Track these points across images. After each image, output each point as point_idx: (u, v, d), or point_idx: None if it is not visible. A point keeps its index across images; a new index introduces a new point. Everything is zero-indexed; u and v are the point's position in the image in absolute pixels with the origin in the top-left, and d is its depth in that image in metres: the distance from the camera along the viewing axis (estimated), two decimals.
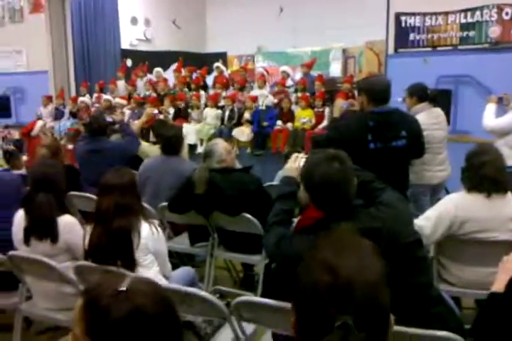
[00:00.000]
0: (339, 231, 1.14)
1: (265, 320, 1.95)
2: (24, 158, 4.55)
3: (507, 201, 2.60)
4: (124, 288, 1.00)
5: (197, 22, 11.51)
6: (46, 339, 2.96)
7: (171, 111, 7.09)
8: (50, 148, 4.26)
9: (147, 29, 10.57)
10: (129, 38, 10.19)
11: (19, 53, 9.10)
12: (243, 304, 1.92)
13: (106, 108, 7.42)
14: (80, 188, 4.10)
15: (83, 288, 1.08)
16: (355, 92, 5.55)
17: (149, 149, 4.59)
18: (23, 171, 3.90)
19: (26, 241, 2.56)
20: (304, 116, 6.30)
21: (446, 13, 5.83)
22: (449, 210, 2.58)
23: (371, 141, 2.96)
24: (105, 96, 7.71)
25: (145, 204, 2.98)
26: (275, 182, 4.08)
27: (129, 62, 9.45)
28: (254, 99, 6.74)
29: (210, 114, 6.95)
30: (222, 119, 6.88)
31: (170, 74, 8.49)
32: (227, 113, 6.86)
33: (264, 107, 6.62)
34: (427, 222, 2.58)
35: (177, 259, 3.54)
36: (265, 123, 6.41)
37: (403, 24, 6.10)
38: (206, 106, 7.16)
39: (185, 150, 4.19)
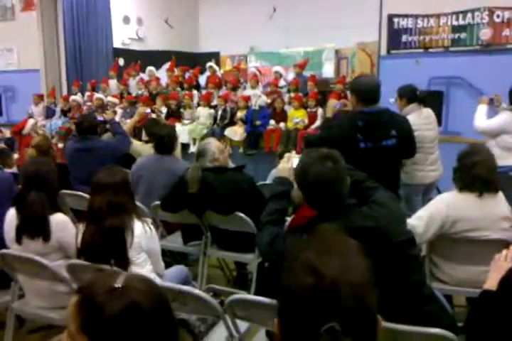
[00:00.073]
0: (324, 231, 1.09)
1: (259, 318, 1.96)
2: (15, 156, 4.52)
3: (498, 200, 2.63)
4: (119, 285, 1.00)
5: (189, 21, 11.50)
6: (39, 338, 2.94)
7: (164, 110, 7.08)
8: (39, 147, 4.24)
9: (139, 28, 10.55)
10: (121, 36, 10.17)
11: (10, 51, 9.03)
12: (237, 302, 1.92)
13: (98, 107, 7.39)
14: (70, 187, 4.09)
15: (78, 285, 1.08)
16: (348, 93, 5.58)
17: (142, 148, 4.58)
18: (14, 169, 3.87)
19: (18, 239, 2.54)
20: (296, 116, 6.32)
21: (438, 16, 5.88)
22: (440, 210, 2.60)
23: (361, 140, 2.98)
24: (97, 95, 7.68)
25: (138, 203, 2.97)
26: (268, 182, 4.10)
27: (121, 61, 9.43)
28: (247, 99, 6.75)
29: (203, 113, 6.95)
30: (215, 119, 6.88)
31: (162, 74, 8.48)
32: (219, 112, 6.86)
33: (257, 107, 6.63)
34: (419, 221, 2.60)
35: (170, 258, 3.53)
36: (258, 122, 6.42)
37: (395, 26, 6.14)
38: (199, 105, 7.16)
39: (178, 150, 4.18)
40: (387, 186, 2.13)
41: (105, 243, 2.35)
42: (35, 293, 2.60)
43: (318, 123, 6.22)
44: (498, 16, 5.55)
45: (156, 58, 9.71)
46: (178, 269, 2.87)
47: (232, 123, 6.75)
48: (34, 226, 2.53)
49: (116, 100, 7.57)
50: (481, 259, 2.43)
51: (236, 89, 7.37)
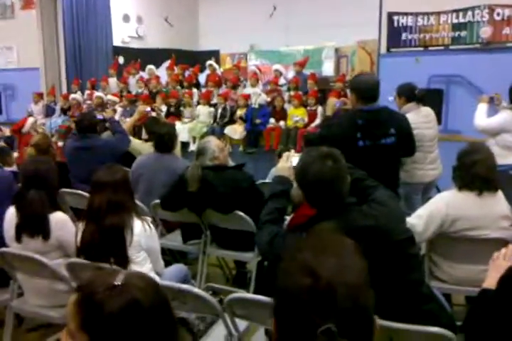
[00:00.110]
0: (320, 231, 1.08)
1: (258, 317, 1.96)
2: (15, 154, 4.52)
3: (497, 199, 2.63)
4: (119, 283, 1.00)
5: (189, 19, 11.49)
6: (38, 336, 2.94)
7: (164, 108, 7.08)
8: (39, 146, 4.24)
9: (139, 26, 10.53)
10: (121, 35, 10.15)
11: (10, 50, 9.02)
12: (236, 301, 1.92)
13: (98, 105, 7.39)
14: (70, 185, 4.09)
15: (77, 284, 1.08)
16: (348, 91, 5.57)
17: (141, 147, 4.59)
18: (14, 168, 3.87)
19: (18, 238, 2.54)
20: (296, 115, 6.31)
21: (438, 13, 5.87)
22: (440, 208, 2.60)
23: (360, 138, 2.98)
24: (97, 93, 7.67)
25: (137, 202, 2.97)
26: (268, 180, 4.10)
27: (120, 60, 9.42)
28: (247, 98, 6.74)
29: (203, 111, 6.94)
30: (215, 117, 6.88)
31: (162, 72, 8.47)
32: (219, 111, 6.85)
33: (257, 105, 6.62)
34: (419, 220, 2.60)
35: (169, 256, 3.54)
36: (258, 121, 6.42)
37: (395, 24, 6.13)
38: (199, 104, 7.15)
39: (177, 148, 4.18)
40: (386, 185, 2.13)
41: (105, 241, 2.36)
42: (34, 292, 2.61)
43: (318, 121, 6.21)
44: (498, 14, 5.54)
45: (155, 56, 9.70)
46: (178, 268, 2.87)
47: (232, 121, 6.74)
48: (34, 225, 2.53)
49: (116, 98, 7.56)
50: (480, 258, 2.43)
51: (236, 87, 7.36)
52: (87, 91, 8.10)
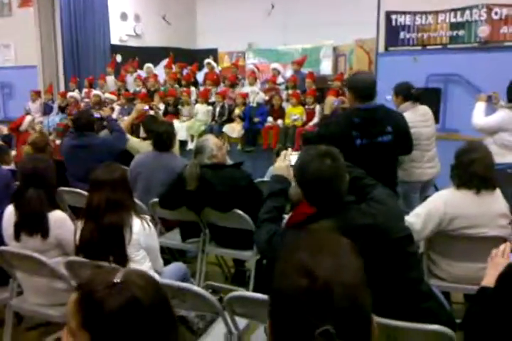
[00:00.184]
0: (316, 231, 1.06)
1: (258, 315, 1.96)
2: (13, 153, 4.51)
3: (495, 197, 2.64)
4: (119, 280, 1.00)
5: (187, 18, 11.47)
6: (37, 335, 2.94)
7: (161, 107, 7.07)
8: (36, 144, 4.23)
9: (137, 25, 10.52)
10: (119, 33, 10.13)
11: (7, 47, 9.00)
12: (236, 299, 1.92)
13: (96, 103, 7.37)
14: (67, 184, 4.09)
15: (77, 282, 1.08)
16: (346, 90, 5.58)
17: (139, 145, 4.58)
18: (12, 166, 3.86)
19: (16, 236, 2.54)
20: (294, 113, 6.31)
21: (436, 13, 5.88)
22: (438, 207, 2.61)
23: (357, 137, 2.99)
24: (95, 92, 7.65)
25: (136, 200, 2.97)
26: (266, 179, 4.10)
27: (118, 58, 9.40)
28: (245, 96, 6.74)
29: (201, 110, 6.93)
30: (213, 116, 6.87)
31: (160, 71, 8.46)
32: (217, 109, 6.85)
33: (255, 104, 6.62)
34: (417, 218, 2.61)
35: (168, 255, 3.54)
36: (256, 119, 6.42)
37: (394, 23, 6.13)
38: (197, 102, 7.14)
39: (176, 147, 4.18)
40: (384, 183, 2.14)
41: (104, 240, 2.36)
42: (33, 290, 2.60)
43: (316, 120, 6.22)
44: (496, 13, 5.55)
45: (153, 55, 9.68)
46: (177, 266, 2.87)
47: (230, 120, 6.74)
48: (32, 223, 2.53)
49: (113, 97, 7.55)
50: (478, 256, 2.45)
51: (234, 86, 7.36)
52: (85, 90, 8.08)
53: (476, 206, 2.58)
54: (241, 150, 6.49)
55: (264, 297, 1.80)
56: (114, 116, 6.98)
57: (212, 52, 10.14)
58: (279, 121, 6.37)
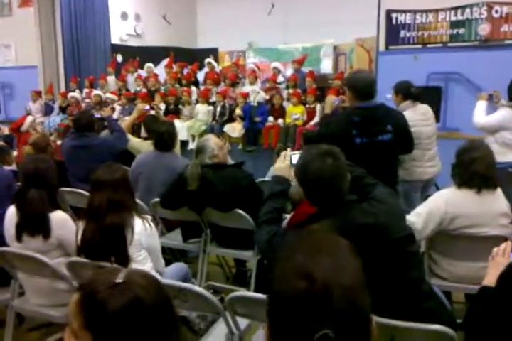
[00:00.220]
0: (313, 232, 1.04)
1: (259, 315, 1.96)
2: (14, 153, 4.51)
3: (497, 197, 2.64)
4: (121, 280, 1.00)
5: (187, 17, 11.46)
6: (39, 336, 2.95)
7: (162, 107, 7.07)
8: (37, 144, 4.23)
9: (137, 24, 10.51)
10: (119, 33, 10.13)
11: (8, 48, 8.99)
12: (237, 299, 1.93)
13: (96, 103, 7.37)
14: (68, 184, 4.09)
15: (79, 282, 1.08)
16: (346, 89, 5.57)
17: (141, 145, 4.58)
18: (13, 167, 3.87)
19: (18, 237, 2.54)
20: (295, 113, 6.31)
21: (437, 11, 5.86)
22: (439, 206, 2.60)
23: (357, 135, 2.99)
24: (96, 92, 7.66)
25: (137, 201, 2.97)
26: (267, 178, 4.10)
27: (119, 58, 9.39)
28: (246, 96, 6.74)
29: (202, 110, 6.93)
30: (214, 115, 6.87)
31: (160, 70, 8.45)
32: (218, 109, 6.84)
33: (255, 103, 6.62)
34: (418, 217, 2.61)
35: (170, 255, 3.54)
36: (258, 119, 6.41)
37: (394, 21, 6.12)
38: (197, 102, 7.14)
39: (177, 147, 4.18)
40: (384, 182, 2.15)
41: (105, 240, 2.36)
42: (35, 291, 2.61)
43: (316, 119, 6.21)
44: (496, 11, 5.54)
45: (154, 54, 9.68)
46: (178, 266, 2.87)
47: (231, 119, 6.74)
48: (34, 224, 2.53)
49: (114, 97, 7.55)
50: (479, 255, 2.44)
51: (235, 85, 7.35)
52: (86, 90, 8.08)
53: (477, 205, 2.57)
54: (242, 150, 6.49)
55: (266, 297, 1.80)
56: (115, 116, 6.99)
57: (213, 52, 10.14)
58: (280, 121, 6.37)
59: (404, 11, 6.03)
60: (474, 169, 2.58)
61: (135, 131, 6.23)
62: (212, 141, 3.30)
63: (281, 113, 6.46)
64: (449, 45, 5.85)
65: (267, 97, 6.80)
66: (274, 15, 10.22)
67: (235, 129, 6.55)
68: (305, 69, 7.39)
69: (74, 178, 4.27)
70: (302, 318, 0.83)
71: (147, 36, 10.68)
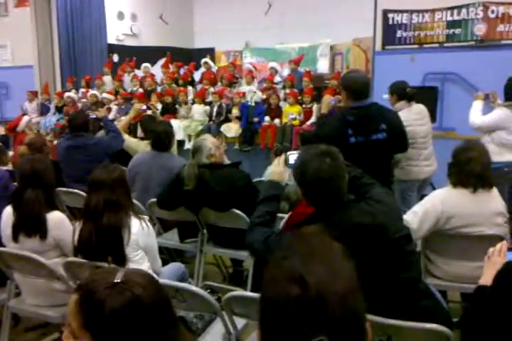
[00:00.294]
0: (306, 235, 1.02)
1: (257, 315, 1.96)
2: (10, 153, 4.50)
3: (492, 196, 2.65)
4: (119, 280, 1.01)
5: (184, 17, 11.44)
6: (36, 336, 2.94)
7: (159, 106, 7.06)
8: (32, 144, 4.22)
9: (133, 24, 10.48)
10: (116, 32, 10.10)
11: (4, 48, 8.96)
12: (234, 299, 1.93)
13: (93, 103, 7.36)
14: (63, 184, 4.08)
15: (77, 283, 1.08)
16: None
17: (137, 145, 4.57)
18: (9, 167, 3.86)
19: (15, 237, 2.54)
20: (291, 112, 6.31)
21: (433, 11, 5.88)
22: (435, 206, 2.61)
23: (351, 135, 3.00)
24: (92, 92, 7.64)
25: (134, 201, 2.97)
26: (264, 178, 4.10)
27: (115, 58, 9.37)
28: (242, 95, 6.73)
29: (198, 110, 6.92)
30: (211, 115, 6.86)
31: (157, 70, 8.44)
32: (215, 109, 6.84)
33: (253, 103, 6.61)
34: (414, 216, 2.62)
35: (166, 255, 3.54)
36: (255, 119, 6.42)
37: (390, 21, 6.13)
38: (194, 102, 7.13)
39: (174, 146, 4.18)
40: (379, 181, 2.15)
41: (102, 240, 2.36)
42: (31, 291, 2.60)
43: (313, 119, 6.22)
44: (492, 12, 5.56)
45: (150, 54, 9.66)
46: (175, 266, 2.87)
47: (227, 119, 6.73)
48: (31, 224, 2.53)
49: (111, 97, 7.53)
50: (475, 255, 2.45)
51: (232, 85, 7.35)
52: (82, 90, 8.06)
53: (472, 205, 2.58)
54: (238, 150, 6.49)
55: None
56: (112, 116, 6.98)
57: (210, 52, 10.12)
58: (277, 121, 6.37)
59: (401, 11, 6.04)
60: (470, 169, 2.59)
61: (131, 131, 6.23)
62: (209, 140, 3.30)
63: (277, 113, 6.46)
64: (446, 45, 5.87)
65: (264, 97, 6.80)
66: (270, 15, 10.21)
67: (231, 129, 6.55)
68: (302, 69, 7.39)
69: (69, 179, 4.26)
70: (296, 325, 0.81)
71: (143, 36, 10.65)
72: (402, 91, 3.95)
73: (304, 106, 6.36)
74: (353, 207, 1.85)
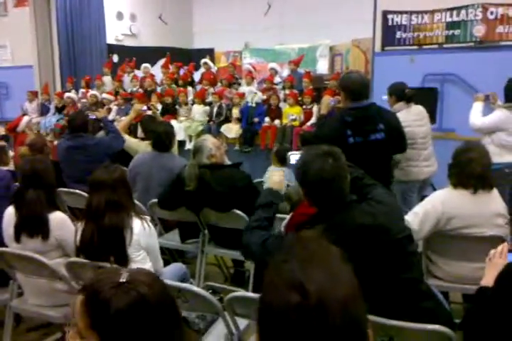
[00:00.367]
0: (305, 239, 1.00)
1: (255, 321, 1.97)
2: (11, 153, 4.49)
3: (493, 197, 2.66)
4: (124, 280, 1.01)
5: (184, 17, 11.44)
6: (38, 336, 2.95)
7: (159, 107, 7.06)
8: (33, 145, 4.22)
9: (133, 24, 10.48)
10: (115, 33, 10.10)
11: (3, 48, 8.95)
12: (236, 299, 1.93)
13: (93, 103, 7.36)
14: (64, 185, 4.08)
15: (83, 283, 1.09)
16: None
17: (138, 145, 4.57)
18: (10, 167, 3.86)
19: (17, 238, 2.54)
20: (291, 113, 6.32)
21: (433, 12, 5.89)
22: (436, 207, 2.62)
23: (350, 135, 3.02)
24: (92, 92, 7.64)
25: (135, 201, 2.97)
26: (265, 179, 4.12)
27: (115, 58, 9.37)
28: (242, 96, 6.74)
29: (198, 110, 6.93)
30: (211, 116, 6.87)
31: (156, 70, 8.44)
32: (215, 109, 6.84)
33: (254, 104, 6.62)
34: (415, 217, 2.62)
35: (168, 256, 3.54)
36: (255, 120, 6.42)
37: (390, 22, 6.14)
38: (194, 103, 7.14)
39: (175, 147, 4.18)
40: (378, 181, 2.16)
41: (104, 241, 2.36)
42: (34, 291, 2.61)
43: (313, 120, 6.22)
44: (491, 13, 5.57)
45: (149, 54, 9.66)
46: (176, 267, 2.88)
47: (227, 120, 6.74)
48: (33, 225, 2.53)
49: (111, 97, 7.53)
50: (476, 256, 2.46)
51: (231, 85, 7.35)
52: (82, 90, 8.06)
53: (473, 206, 2.59)
54: (239, 151, 6.49)
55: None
56: (112, 116, 6.98)
57: (209, 52, 10.13)
58: (277, 121, 6.37)
59: (401, 12, 6.05)
60: (471, 170, 2.60)
61: (132, 131, 6.22)
62: (209, 141, 3.31)
63: (277, 113, 6.46)
64: (445, 46, 5.88)
65: (265, 97, 6.80)
66: (270, 15, 10.21)
67: (231, 130, 6.55)
68: (301, 69, 7.40)
69: (69, 179, 4.26)
70: (295, 332, 0.80)
71: (143, 36, 10.65)
72: (400, 93, 3.96)
73: (304, 107, 6.37)
74: (355, 207, 1.86)
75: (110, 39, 9.88)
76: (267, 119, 6.43)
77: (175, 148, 4.20)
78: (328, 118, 3.82)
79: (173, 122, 6.45)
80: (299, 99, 6.46)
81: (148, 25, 10.63)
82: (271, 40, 9.85)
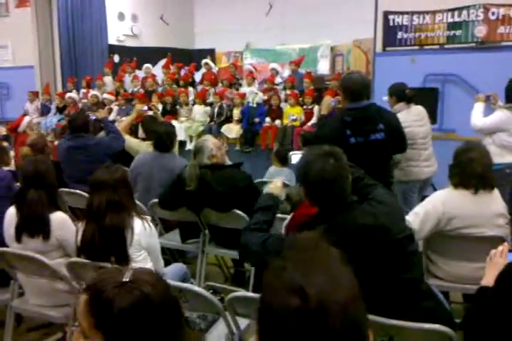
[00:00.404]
0: (304, 241, 0.99)
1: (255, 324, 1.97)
2: (12, 153, 4.50)
3: (493, 197, 2.66)
4: (128, 279, 1.02)
5: (185, 18, 11.46)
6: (39, 336, 2.95)
7: (160, 107, 7.07)
8: (35, 145, 4.23)
9: (134, 25, 10.49)
10: (116, 33, 10.11)
11: (5, 48, 8.97)
12: (237, 299, 1.94)
13: (94, 104, 7.37)
14: (65, 185, 4.08)
15: (86, 283, 1.09)
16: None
17: (139, 146, 4.58)
18: (12, 167, 3.86)
19: (18, 238, 2.54)
20: (292, 113, 6.32)
21: (434, 13, 5.89)
22: (437, 207, 2.62)
23: (350, 135, 3.02)
24: (93, 92, 7.65)
25: (136, 201, 2.97)
26: (265, 179, 4.12)
27: (116, 58, 9.38)
28: (243, 96, 6.75)
29: (199, 111, 6.93)
30: (212, 116, 6.87)
31: (157, 71, 8.45)
32: (216, 110, 6.85)
33: (254, 104, 6.62)
34: (416, 217, 2.63)
35: (168, 256, 3.55)
36: (256, 120, 6.43)
37: (391, 23, 6.14)
38: (194, 103, 7.14)
39: (175, 147, 4.18)
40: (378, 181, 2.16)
41: (105, 241, 2.36)
42: (34, 291, 2.61)
43: (314, 120, 6.23)
44: (493, 13, 5.57)
45: (150, 55, 9.67)
46: (177, 267, 2.88)
47: (228, 120, 6.74)
48: (34, 225, 2.53)
49: (112, 97, 7.54)
50: (476, 256, 2.47)
51: (232, 86, 7.36)
52: (83, 90, 8.07)
53: (473, 206, 2.59)
54: (239, 151, 6.50)
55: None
56: (113, 116, 6.98)
57: (210, 53, 10.14)
58: (277, 122, 6.38)
59: (402, 13, 6.05)
60: (471, 170, 2.60)
61: (133, 131, 6.23)
62: (210, 141, 3.31)
63: (278, 114, 6.47)
64: (446, 46, 5.88)
65: (266, 98, 6.81)
66: (271, 16, 10.22)
67: (232, 130, 6.56)
68: (302, 70, 7.40)
69: (70, 179, 4.26)
70: (295, 336, 0.79)
71: (144, 37, 10.67)
72: (401, 93, 3.97)
73: (304, 107, 6.37)
74: (356, 208, 1.86)
75: (112, 39, 9.90)
76: (267, 119, 6.44)
77: (175, 149, 4.21)
78: (329, 118, 3.83)
79: (174, 122, 6.47)
80: (300, 99, 6.47)
81: (149, 25, 10.65)
82: (272, 41, 9.85)
